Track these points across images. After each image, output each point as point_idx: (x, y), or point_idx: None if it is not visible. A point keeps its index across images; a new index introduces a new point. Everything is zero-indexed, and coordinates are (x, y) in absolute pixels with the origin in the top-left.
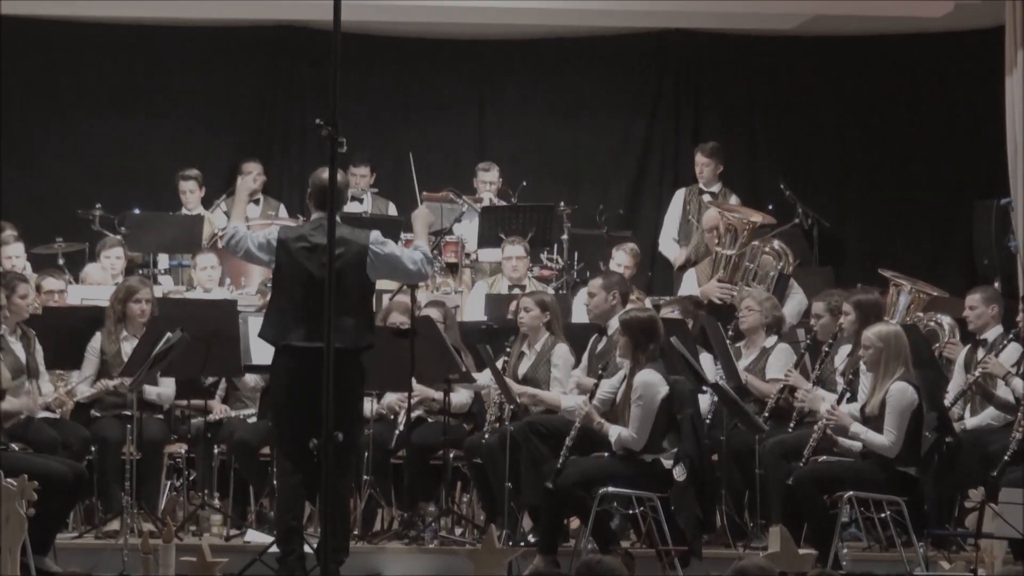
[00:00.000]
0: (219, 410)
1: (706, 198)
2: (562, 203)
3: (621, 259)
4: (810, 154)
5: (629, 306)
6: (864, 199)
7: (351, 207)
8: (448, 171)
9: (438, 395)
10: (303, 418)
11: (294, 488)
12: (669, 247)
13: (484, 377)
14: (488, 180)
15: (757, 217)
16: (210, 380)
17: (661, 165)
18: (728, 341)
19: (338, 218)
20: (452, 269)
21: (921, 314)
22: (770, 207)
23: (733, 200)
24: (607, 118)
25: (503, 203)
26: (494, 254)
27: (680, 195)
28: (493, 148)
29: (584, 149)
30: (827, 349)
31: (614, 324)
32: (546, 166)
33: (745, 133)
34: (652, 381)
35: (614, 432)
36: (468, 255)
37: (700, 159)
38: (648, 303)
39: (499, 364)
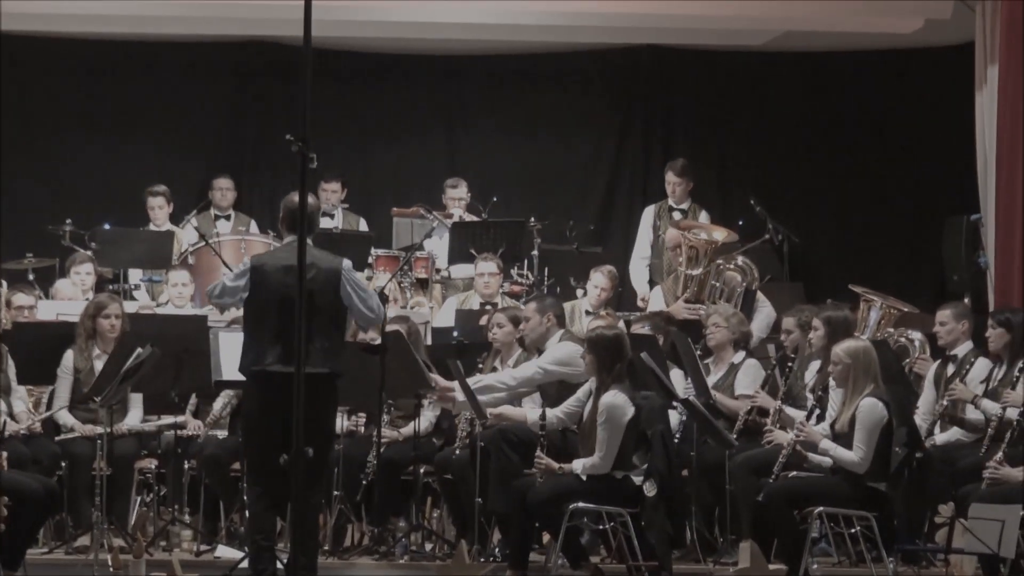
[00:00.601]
0: (193, 426)
1: (676, 215)
2: (532, 218)
3: (598, 281)
4: (781, 170)
5: (598, 323)
6: (835, 215)
7: (322, 222)
8: (419, 186)
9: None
10: (276, 440)
11: (265, 508)
12: (638, 272)
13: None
14: (456, 196)
15: (719, 235)
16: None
17: (631, 180)
18: (699, 359)
19: (310, 241)
20: (422, 285)
21: (892, 330)
22: (740, 223)
23: (703, 217)
24: (577, 133)
25: (474, 219)
26: (466, 270)
27: (649, 212)
28: (464, 163)
29: (554, 164)
30: (791, 365)
31: (554, 345)
32: (516, 181)
33: (716, 149)
34: (617, 403)
35: (578, 465)
36: (438, 271)
37: (670, 177)
38: (620, 324)
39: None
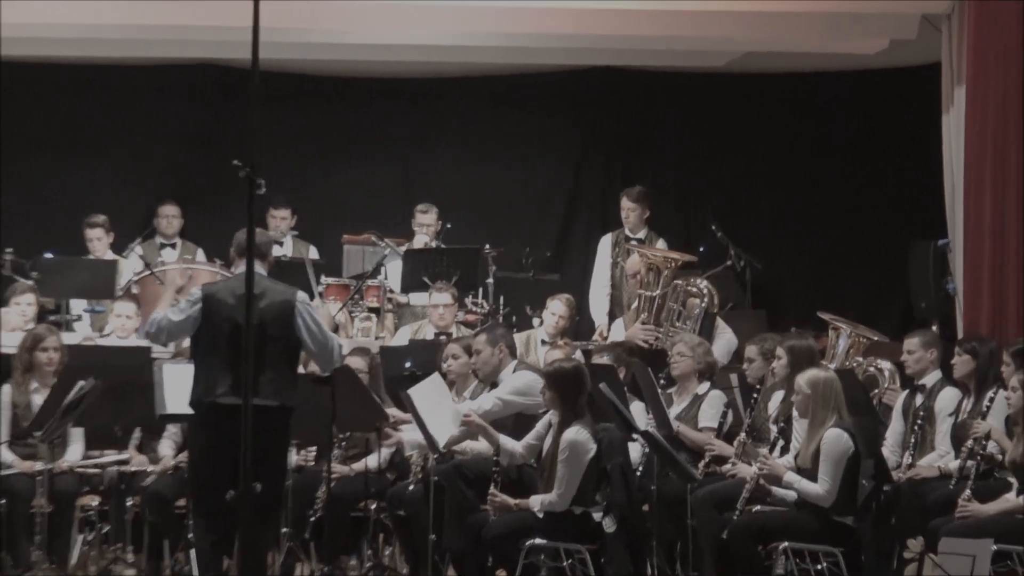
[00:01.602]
0: (137, 461)
1: (633, 243)
2: (488, 245)
3: (556, 309)
4: (742, 195)
5: (556, 353)
6: (799, 240)
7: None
8: (371, 213)
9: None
10: (224, 476)
11: (212, 546)
12: (599, 302)
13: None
14: (426, 222)
15: (677, 255)
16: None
17: (590, 205)
18: (660, 388)
19: (264, 271)
20: (373, 314)
21: (860, 359)
22: (702, 249)
23: (660, 244)
24: (536, 158)
25: (440, 245)
26: (420, 299)
27: (606, 241)
28: (418, 188)
29: (511, 189)
30: (755, 396)
31: (510, 375)
32: (471, 207)
33: (676, 173)
34: (580, 440)
35: (536, 502)
36: (391, 300)
37: (626, 204)
38: (578, 353)
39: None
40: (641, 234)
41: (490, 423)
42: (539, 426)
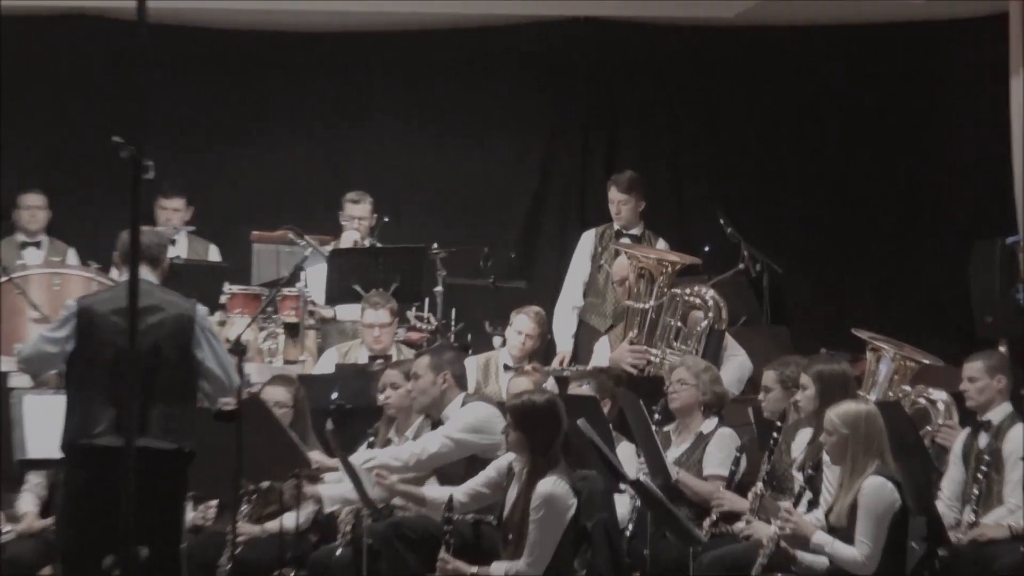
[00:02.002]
0: None
1: (625, 242)
2: (435, 244)
3: (522, 325)
4: (758, 180)
5: (522, 382)
6: (829, 238)
7: None
8: (287, 203)
9: None
10: (102, 539)
11: None
12: (563, 320)
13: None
14: (357, 215)
15: (675, 256)
16: None
17: (565, 192)
18: (654, 425)
19: (154, 279)
20: (291, 332)
21: (908, 388)
22: (706, 249)
23: (661, 245)
24: (494, 133)
25: (375, 243)
26: (349, 311)
27: (589, 239)
28: (347, 171)
29: (464, 174)
30: (776, 436)
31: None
32: (415, 196)
33: (673, 153)
34: (558, 494)
35: (500, 569)
36: (312, 313)
37: (616, 195)
38: (550, 381)
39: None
40: (636, 230)
41: (434, 471)
42: (491, 470)
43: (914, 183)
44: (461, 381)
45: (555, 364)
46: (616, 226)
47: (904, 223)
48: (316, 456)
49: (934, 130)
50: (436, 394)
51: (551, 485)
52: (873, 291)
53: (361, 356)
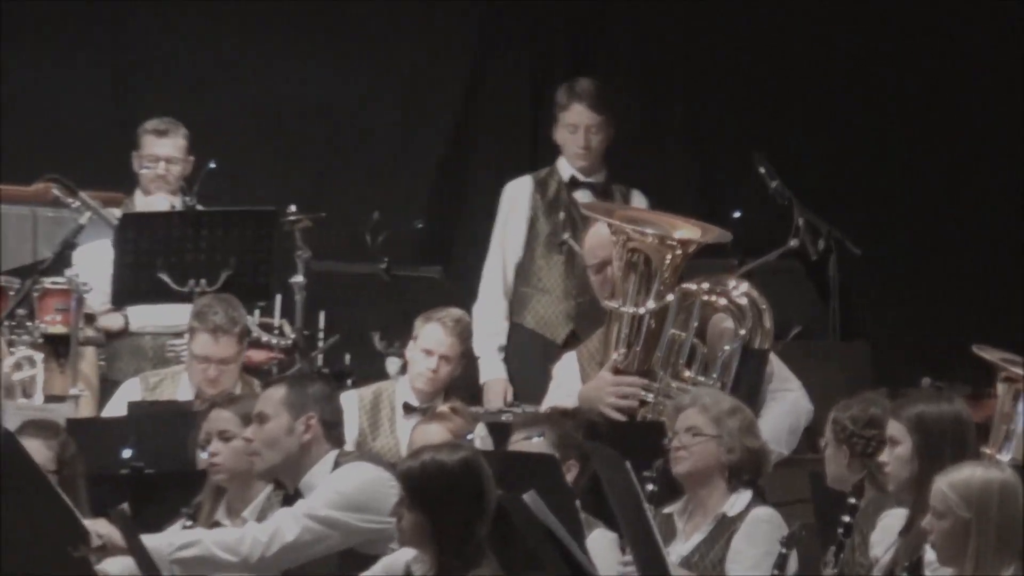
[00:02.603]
0: None
1: (580, 197)
2: (292, 208)
3: (433, 339)
4: (819, 106)
5: (435, 430)
6: (936, 204)
7: None
8: (49, 141)
9: None
10: None
11: None
12: (488, 326)
13: None
14: (164, 154)
15: (688, 230)
16: None
17: (498, 134)
18: (648, 504)
19: None
20: (57, 350)
21: None
22: (736, 215)
23: (637, 202)
24: (389, 46)
25: (195, 204)
26: (155, 315)
27: (523, 191)
28: (141, 95)
29: (344, 102)
30: (848, 519)
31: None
32: (259, 133)
33: (668, 63)
34: None
35: None
36: (91, 319)
37: (583, 115)
38: (480, 428)
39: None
40: (597, 177)
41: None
42: (379, 569)
43: None
44: (333, 431)
45: (486, 401)
46: (569, 171)
47: None
48: (99, 528)
49: None
50: (293, 449)
51: None
52: (1006, 288)
53: (182, 392)
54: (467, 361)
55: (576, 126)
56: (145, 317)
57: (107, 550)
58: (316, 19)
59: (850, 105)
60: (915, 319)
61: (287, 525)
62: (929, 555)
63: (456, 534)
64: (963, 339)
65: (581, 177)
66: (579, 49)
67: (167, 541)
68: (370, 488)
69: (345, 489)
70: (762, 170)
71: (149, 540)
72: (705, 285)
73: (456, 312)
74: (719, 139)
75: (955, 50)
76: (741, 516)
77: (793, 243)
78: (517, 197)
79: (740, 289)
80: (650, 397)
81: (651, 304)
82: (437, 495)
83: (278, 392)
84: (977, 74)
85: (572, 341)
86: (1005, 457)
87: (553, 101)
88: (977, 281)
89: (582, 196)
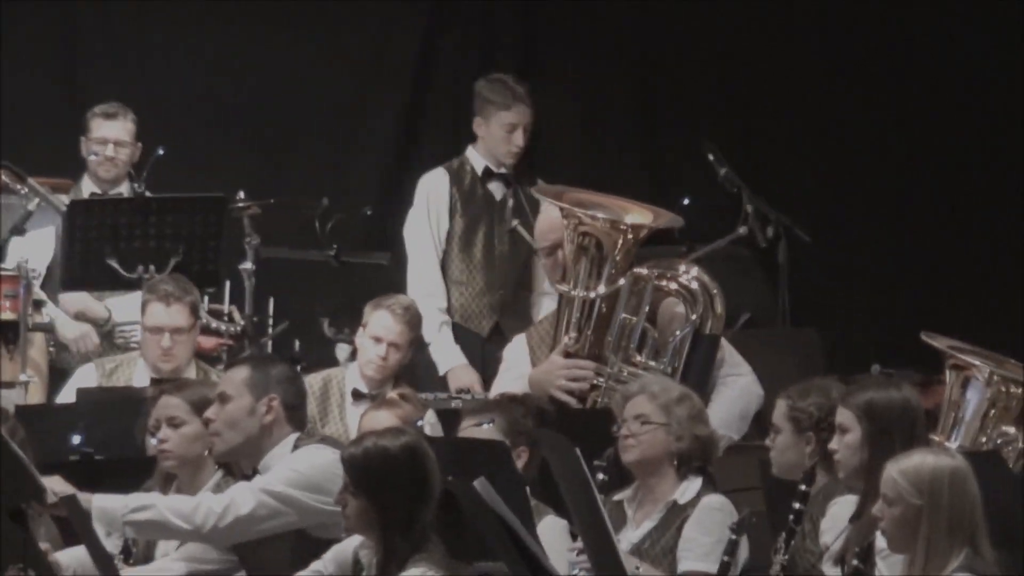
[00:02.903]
0: None
1: (493, 189)
2: (241, 194)
3: (382, 326)
4: (769, 89)
5: (384, 416)
6: (886, 191)
7: None
8: (1, 129)
9: None
10: None
11: None
12: (429, 310)
13: None
14: (113, 137)
15: (640, 214)
16: None
17: (449, 119)
18: (600, 492)
19: None
20: (4, 335)
21: (1011, 430)
22: (685, 202)
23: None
24: (343, 30)
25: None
26: (108, 304)
27: (440, 184)
28: (90, 79)
29: (292, 88)
30: (799, 506)
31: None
32: (208, 116)
33: (615, 53)
34: None
35: None
36: (39, 305)
37: (523, 115)
38: (430, 415)
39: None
40: (508, 169)
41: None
42: (329, 562)
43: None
44: (295, 413)
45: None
46: (482, 163)
47: (991, 182)
48: (54, 484)
49: None
50: (254, 430)
51: None
52: (955, 275)
53: (138, 378)
54: (415, 347)
55: (516, 125)
56: (82, 304)
57: (60, 506)
58: (266, 5)
59: (799, 93)
60: (864, 306)
61: (243, 498)
62: (879, 542)
63: (400, 519)
64: (912, 326)
65: (494, 168)
66: (528, 35)
67: (122, 503)
68: (328, 470)
69: (303, 468)
70: (711, 157)
71: (103, 500)
72: (656, 270)
73: (405, 299)
74: (668, 126)
75: (902, 34)
76: (692, 503)
77: (742, 230)
78: (436, 189)
79: (691, 273)
80: (601, 381)
81: (602, 288)
82: (380, 480)
83: (241, 373)
84: (925, 58)
85: (496, 335)
86: (954, 444)
87: (476, 94)
88: (926, 268)
89: (495, 188)
